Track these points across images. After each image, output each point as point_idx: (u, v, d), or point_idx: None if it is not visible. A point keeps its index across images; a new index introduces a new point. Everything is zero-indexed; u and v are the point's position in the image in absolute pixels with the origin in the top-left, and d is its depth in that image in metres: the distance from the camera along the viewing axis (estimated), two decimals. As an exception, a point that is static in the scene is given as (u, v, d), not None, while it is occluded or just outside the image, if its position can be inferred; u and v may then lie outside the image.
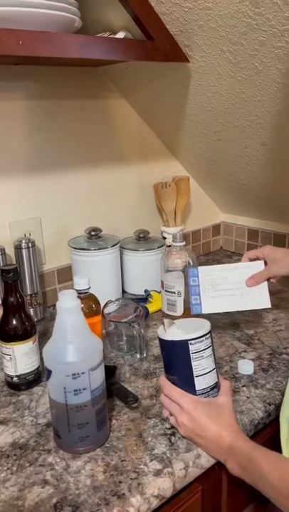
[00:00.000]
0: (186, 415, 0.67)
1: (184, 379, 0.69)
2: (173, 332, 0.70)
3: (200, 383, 0.69)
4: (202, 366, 0.69)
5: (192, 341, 0.68)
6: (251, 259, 0.98)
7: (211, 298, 0.94)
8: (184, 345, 0.68)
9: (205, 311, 0.94)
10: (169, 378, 0.71)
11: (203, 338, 0.68)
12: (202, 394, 0.69)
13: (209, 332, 0.70)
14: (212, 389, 0.70)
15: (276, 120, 1.04)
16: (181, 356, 0.68)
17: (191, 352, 0.68)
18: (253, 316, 1.09)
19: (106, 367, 0.70)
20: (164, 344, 0.70)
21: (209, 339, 0.70)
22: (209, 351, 0.70)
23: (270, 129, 1.08)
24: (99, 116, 1.24)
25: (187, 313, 0.99)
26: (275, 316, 1.10)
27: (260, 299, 0.94)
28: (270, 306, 0.94)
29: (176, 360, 0.70)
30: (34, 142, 1.12)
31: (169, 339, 0.69)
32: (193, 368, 0.68)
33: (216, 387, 0.70)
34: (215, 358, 0.71)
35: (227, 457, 0.63)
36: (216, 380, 0.71)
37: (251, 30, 0.86)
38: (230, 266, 0.97)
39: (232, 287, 0.94)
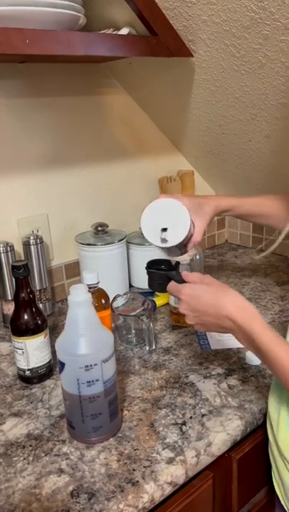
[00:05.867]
0: (184, 304, 0.72)
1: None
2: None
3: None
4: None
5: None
6: None
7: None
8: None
9: (214, 346, 0.95)
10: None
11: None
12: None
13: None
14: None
15: (280, 113, 1.04)
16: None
17: None
18: (260, 307, 1.10)
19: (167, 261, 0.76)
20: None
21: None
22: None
23: (274, 121, 1.08)
24: (103, 112, 1.25)
25: None
26: (282, 307, 1.11)
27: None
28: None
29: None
30: (40, 139, 1.13)
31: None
32: None
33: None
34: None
35: (232, 327, 0.70)
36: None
37: (255, 24, 0.86)
38: None
39: None
